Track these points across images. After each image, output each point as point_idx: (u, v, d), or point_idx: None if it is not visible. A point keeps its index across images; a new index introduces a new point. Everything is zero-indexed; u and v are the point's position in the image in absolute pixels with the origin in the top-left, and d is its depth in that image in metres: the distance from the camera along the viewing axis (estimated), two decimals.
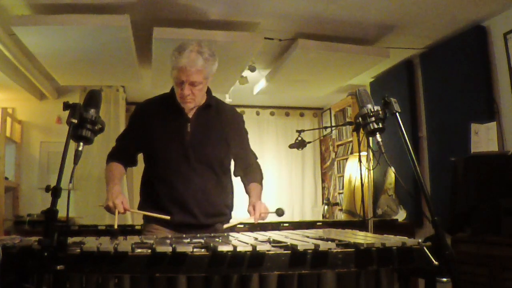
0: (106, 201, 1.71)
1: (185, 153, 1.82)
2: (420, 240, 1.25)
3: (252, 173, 2.00)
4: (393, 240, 1.29)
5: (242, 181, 2.00)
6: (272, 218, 2.04)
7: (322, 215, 5.69)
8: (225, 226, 1.88)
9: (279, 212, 1.71)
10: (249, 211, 1.85)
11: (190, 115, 1.87)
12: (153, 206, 1.83)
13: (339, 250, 1.21)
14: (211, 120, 1.90)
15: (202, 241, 1.29)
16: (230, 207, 1.96)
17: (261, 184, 2.00)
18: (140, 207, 1.90)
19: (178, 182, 1.81)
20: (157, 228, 1.82)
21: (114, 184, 1.79)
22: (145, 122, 1.87)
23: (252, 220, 1.82)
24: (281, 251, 1.19)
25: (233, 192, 1.99)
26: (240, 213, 2.07)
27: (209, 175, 1.85)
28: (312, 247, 1.19)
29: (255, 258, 1.16)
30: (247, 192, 1.97)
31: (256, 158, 2.07)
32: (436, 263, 1.18)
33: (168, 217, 1.76)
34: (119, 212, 1.67)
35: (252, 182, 1.97)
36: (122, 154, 1.93)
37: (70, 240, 1.20)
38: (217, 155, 1.87)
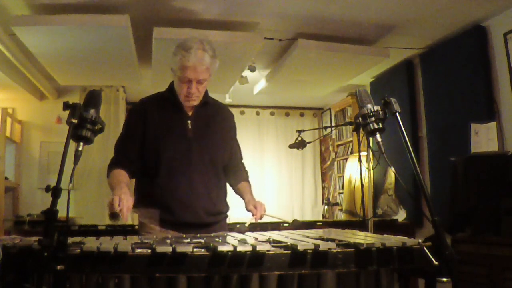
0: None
1: (187, 150, 1.81)
2: (420, 240, 1.25)
3: (239, 172, 2.02)
4: (393, 240, 1.29)
5: (229, 180, 1.99)
6: (272, 218, 2.05)
7: (322, 215, 5.69)
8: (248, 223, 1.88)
9: (296, 224, 1.64)
10: (250, 210, 1.86)
11: (189, 113, 1.87)
12: (153, 205, 1.77)
13: (339, 250, 1.21)
14: (210, 118, 1.91)
15: (202, 241, 1.29)
16: (227, 206, 1.96)
17: (249, 182, 2.02)
18: (136, 207, 1.77)
19: (180, 179, 1.78)
20: (156, 228, 1.80)
21: (120, 187, 1.63)
22: (144, 121, 1.83)
23: (253, 220, 1.85)
24: (281, 251, 1.18)
25: (227, 191, 1.98)
26: (235, 212, 2.08)
27: (209, 172, 1.84)
28: (312, 247, 1.19)
29: (255, 258, 1.15)
30: (237, 191, 1.99)
31: (242, 158, 2.08)
32: (436, 263, 1.18)
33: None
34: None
35: (242, 181, 1.99)
36: (123, 158, 1.83)
37: (70, 240, 1.20)
38: (218, 151, 1.88)
